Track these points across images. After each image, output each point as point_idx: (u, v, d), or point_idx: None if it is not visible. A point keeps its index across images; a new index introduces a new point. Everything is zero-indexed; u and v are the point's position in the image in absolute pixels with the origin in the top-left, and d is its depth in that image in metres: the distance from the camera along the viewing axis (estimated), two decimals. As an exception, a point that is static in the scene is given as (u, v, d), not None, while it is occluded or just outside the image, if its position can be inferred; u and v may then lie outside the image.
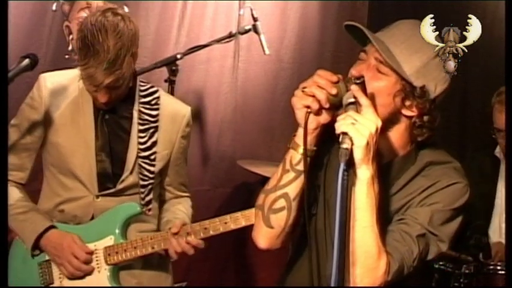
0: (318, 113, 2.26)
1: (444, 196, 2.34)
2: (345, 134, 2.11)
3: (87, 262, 3.15)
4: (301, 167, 2.30)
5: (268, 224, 2.38)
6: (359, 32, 2.32)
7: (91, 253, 3.16)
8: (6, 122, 2.72)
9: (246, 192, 5.24)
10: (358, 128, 2.12)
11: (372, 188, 2.18)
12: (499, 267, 4.02)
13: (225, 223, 3.07)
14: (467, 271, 4.10)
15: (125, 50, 2.97)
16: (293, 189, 2.33)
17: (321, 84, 2.23)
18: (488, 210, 4.37)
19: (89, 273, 3.16)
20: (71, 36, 4.09)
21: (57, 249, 3.15)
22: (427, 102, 2.31)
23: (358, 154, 2.12)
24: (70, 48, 3.96)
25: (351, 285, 2.22)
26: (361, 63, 2.33)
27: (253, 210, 2.67)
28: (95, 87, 3.02)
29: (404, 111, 2.33)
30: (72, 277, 3.16)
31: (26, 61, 2.95)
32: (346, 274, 2.19)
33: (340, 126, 2.14)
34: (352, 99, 2.19)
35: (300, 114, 2.27)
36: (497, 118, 4.17)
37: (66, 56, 4.41)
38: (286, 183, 2.34)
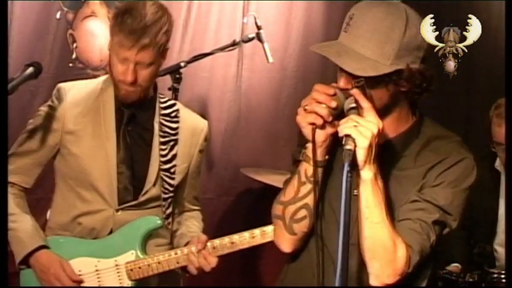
0: (322, 126, 2.31)
1: (457, 174, 2.37)
2: (348, 136, 2.17)
3: None
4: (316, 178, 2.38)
5: (291, 232, 2.46)
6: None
7: (79, 281, 3.09)
8: (6, 124, 2.70)
9: (250, 200, 5.26)
10: (361, 130, 2.17)
11: (376, 185, 2.24)
12: (502, 276, 4.02)
13: (253, 237, 3.04)
14: (471, 279, 4.09)
15: (161, 25, 2.98)
16: (312, 199, 2.40)
17: (320, 100, 2.27)
18: (489, 220, 4.35)
19: None
20: (75, 45, 4.11)
21: (43, 272, 3.08)
22: (416, 73, 2.31)
23: (361, 155, 2.18)
24: (74, 56, 3.97)
25: (373, 279, 2.29)
26: (344, 75, 2.33)
27: (270, 227, 2.84)
28: (124, 62, 2.99)
29: (403, 89, 2.34)
30: None
31: (30, 69, 2.94)
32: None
33: (343, 129, 2.20)
34: (353, 105, 2.24)
35: (307, 132, 2.33)
36: (496, 132, 4.15)
37: (70, 64, 4.45)
38: (304, 194, 2.41)
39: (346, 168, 2.11)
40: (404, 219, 2.34)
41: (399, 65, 2.28)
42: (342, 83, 2.32)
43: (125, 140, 3.15)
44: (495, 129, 4.15)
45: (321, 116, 2.27)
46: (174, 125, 3.21)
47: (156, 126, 3.19)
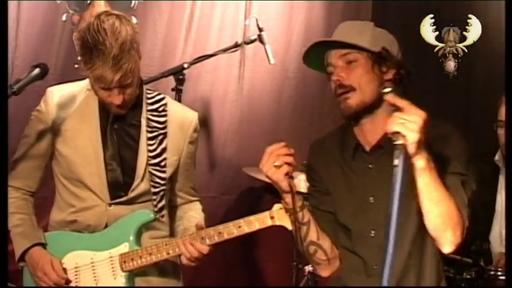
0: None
1: (455, 143, 2.69)
2: (397, 133, 2.33)
3: (58, 284, 3.18)
4: (306, 218, 2.72)
5: (318, 262, 2.81)
6: (313, 55, 2.79)
7: (65, 279, 3.19)
8: (6, 124, 2.77)
9: (252, 198, 5.31)
10: (409, 126, 2.33)
11: (431, 169, 2.43)
12: (499, 273, 4.05)
13: (239, 227, 3.08)
14: (468, 276, 4.11)
15: (127, 45, 3.00)
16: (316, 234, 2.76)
17: (282, 153, 2.58)
18: (488, 217, 4.39)
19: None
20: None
21: (34, 268, 3.20)
22: (394, 59, 2.67)
23: (412, 148, 2.35)
24: (79, 57, 4.03)
25: (447, 247, 2.56)
26: (334, 72, 2.71)
27: (266, 213, 2.94)
28: (107, 90, 3.05)
29: (386, 77, 2.68)
30: None
31: (37, 70, 2.99)
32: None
33: (393, 126, 2.35)
34: (388, 89, 2.44)
35: (284, 184, 2.62)
36: (502, 110, 4.17)
37: (76, 66, 4.50)
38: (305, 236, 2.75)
39: (400, 161, 2.26)
40: None
41: (377, 47, 2.65)
42: (336, 77, 2.68)
43: (112, 138, 3.21)
44: (502, 108, 4.18)
45: (290, 163, 2.58)
46: (162, 119, 3.26)
47: (144, 122, 3.24)
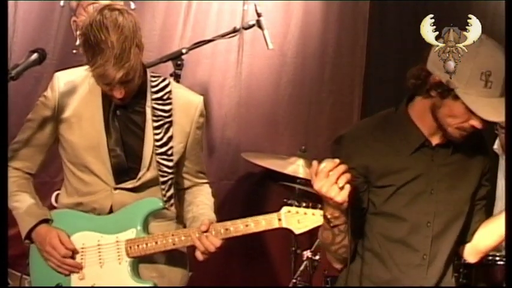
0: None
1: None
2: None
3: (67, 257, 3.20)
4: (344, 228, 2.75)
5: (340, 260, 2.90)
6: None
7: (73, 250, 3.21)
8: (6, 122, 2.77)
9: (251, 184, 5.33)
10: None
11: None
12: (497, 258, 4.07)
13: (246, 225, 3.09)
14: (466, 261, 4.14)
15: (129, 42, 2.99)
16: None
17: (341, 171, 2.55)
18: (488, 204, 4.41)
19: (78, 267, 3.23)
20: (78, 32, 4.15)
21: (41, 243, 3.22)
22: None
23: None
24: (77, 43, 4.02)
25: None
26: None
27: (274, 215, 2.98)
28: (109, 85, 3.05)
29: None
30: (57, 270, 3.23)
31: (35, 55, 2.99)
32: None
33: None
34: None
35: (347, 203, 2.61)
36: None
37: (74, 51, 4.50)
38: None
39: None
40: None
41: None
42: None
43: (114, 124, 3.22)
44: None
45: (350, 182, 2.55)
46: (167, 107, 3.25)
47: (148, 110, 3.23)
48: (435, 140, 2.82)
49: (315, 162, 2.57)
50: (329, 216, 2.70)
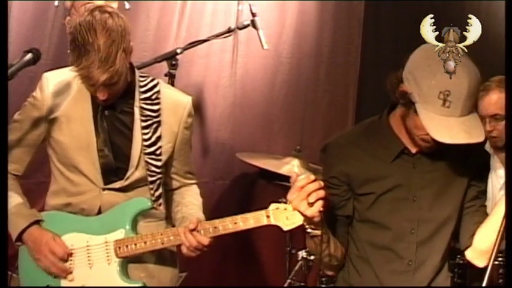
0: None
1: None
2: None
3: (64, 260, 3.19)
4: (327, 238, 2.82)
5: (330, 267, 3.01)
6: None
7: (69, 254, 3.20)
8: (6, 122, 2.77)
9: (245, 184, 5.32)
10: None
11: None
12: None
13: (235, 223, 3.09)
14: (461, 261, 4.13)
15: (116, 47, 2.98)
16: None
17: (313, 189, 2.63)
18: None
19: (68, 271, 3.20)
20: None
21: (35, 244, 3.19)
22: None
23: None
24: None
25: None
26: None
27: (262, 212, 2.96)
28: (93, 86, 3.05)
29: None
30: (47, 273, 3.20)
31: (29, 55, 2.97)
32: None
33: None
34: None
35: (318, 219, 2.69)
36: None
37: (68, 51, 4.47)
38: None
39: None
40: None
41: None
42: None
43: (102, 124, 3.22)
44: (483, 100, 4.18)
45: (323, 198, 2.61)
46: (155, 107, 3.25)
47: (137, 110, 3.23)
48: (414, 148, 2.83)
49: (294, 174, 2.69)
50: (306, 227, 2.76)
